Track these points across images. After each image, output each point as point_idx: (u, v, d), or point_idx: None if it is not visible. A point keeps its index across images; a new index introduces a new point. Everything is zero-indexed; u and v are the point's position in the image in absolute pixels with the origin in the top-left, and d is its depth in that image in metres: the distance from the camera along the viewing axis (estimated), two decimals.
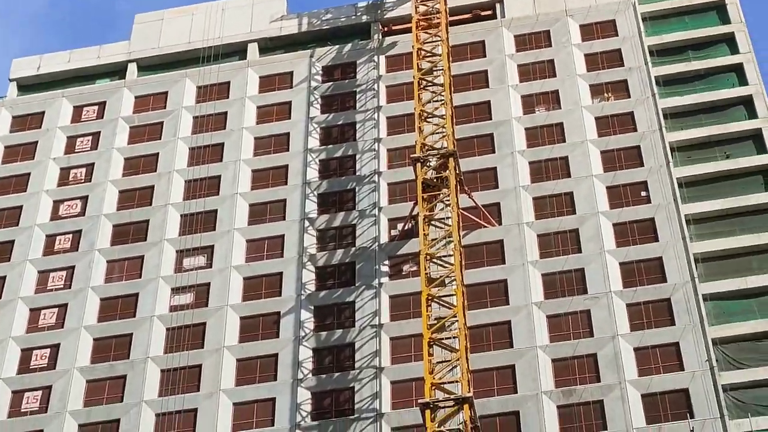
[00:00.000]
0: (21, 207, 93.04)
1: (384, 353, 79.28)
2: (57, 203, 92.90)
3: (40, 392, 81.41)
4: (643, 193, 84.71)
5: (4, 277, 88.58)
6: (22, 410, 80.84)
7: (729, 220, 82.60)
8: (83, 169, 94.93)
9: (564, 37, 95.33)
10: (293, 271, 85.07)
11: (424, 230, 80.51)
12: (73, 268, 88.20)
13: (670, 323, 77.33)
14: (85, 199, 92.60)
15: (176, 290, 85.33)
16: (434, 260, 79.45)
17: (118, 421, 78.95)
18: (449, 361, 74.06)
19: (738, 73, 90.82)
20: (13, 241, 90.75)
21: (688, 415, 71.97)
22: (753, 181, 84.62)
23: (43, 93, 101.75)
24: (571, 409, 74.26)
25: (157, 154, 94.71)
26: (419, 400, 72.26)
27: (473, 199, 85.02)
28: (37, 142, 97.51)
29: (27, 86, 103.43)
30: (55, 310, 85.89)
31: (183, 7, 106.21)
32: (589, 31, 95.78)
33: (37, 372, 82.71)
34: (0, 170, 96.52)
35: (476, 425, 71.67)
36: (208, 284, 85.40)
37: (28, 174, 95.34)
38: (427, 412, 71.13)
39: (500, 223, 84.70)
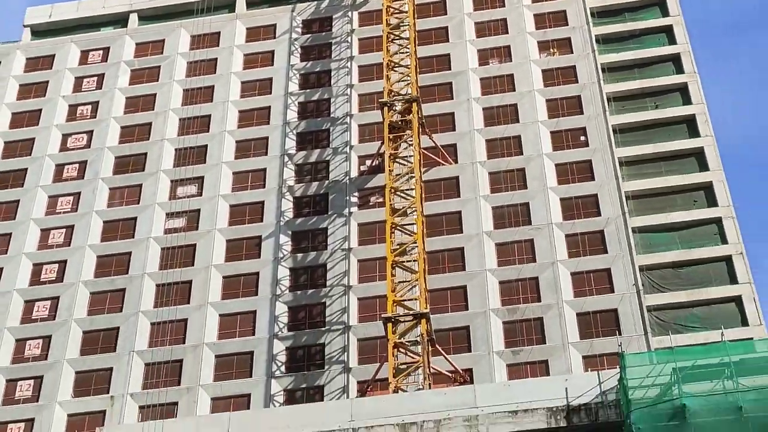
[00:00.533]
0: (33, 139, 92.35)
1: (352, 273, 79.60)
2: (65, 136, 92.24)
3: (49, 302, 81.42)
4: (582, 138, 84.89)
5: (18, 201, 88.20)
6: (33, 317, 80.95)
7: (657, 163, 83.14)
8: (89, 107, 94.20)
9: None
10: (273, 200, 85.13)
11: (389, 166, 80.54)
12: (79, 194, 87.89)
13: (602, 252, 78.03)
14: (90, 134, 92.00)
15: (170, 215, 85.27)
16: (398, 193, 79.48)
17: (117, 328, 79.08)
18: (409, 281, 74.44)
19: (668, 33, 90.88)
20: (26, 170, 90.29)
21: (616, 332, 72.05)
22: (679, 129, 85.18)
23: (53, 38, 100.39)
24: (515, 325, 75.02)
25: (155, 94, 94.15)
26: (382, 315, 72.72)
27: (433, 140, 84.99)
28: (48, 82, 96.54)
29: (39, 32, 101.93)
30: (63, 230, 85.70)
31: None
32: None
33: (46, 284, 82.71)
34: (15, 106, 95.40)
35: (432, 338, 72.22)
36: (199, 210, 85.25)
37: (40, 110, 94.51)
38: (389, 325, 71.59)
39: (456, 162, 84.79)
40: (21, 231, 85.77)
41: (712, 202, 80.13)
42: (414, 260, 75.33)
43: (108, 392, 75.54)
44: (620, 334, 71.65)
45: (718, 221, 78.90)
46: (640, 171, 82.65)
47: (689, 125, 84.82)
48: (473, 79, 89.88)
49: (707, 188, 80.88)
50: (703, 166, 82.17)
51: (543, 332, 74.42)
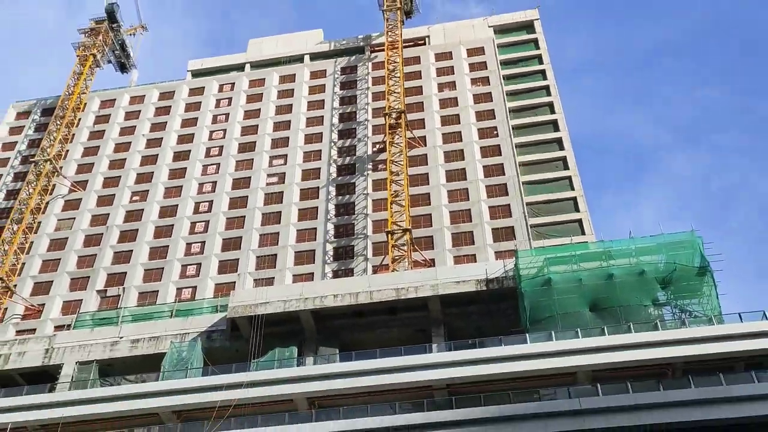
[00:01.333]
0: (193, 134, 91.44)
1: (369, 207, 79.29)
2: (210, 132, 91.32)
3: (203, 223, 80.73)
4: (495, 132, 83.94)
5: (185, 168, 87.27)
6: (195, 231, 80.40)
7: (536, 146, 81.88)
8: (223, 116, 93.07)
9: (459, 54, 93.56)
10: (326, 167, 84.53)
11: (389, 148, 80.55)
12: (219, 164, 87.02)
13: (506, 195, 77.37)
14: (224, 131, 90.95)
15: (269, 175, 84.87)
16: (394, 163, 79.47)
17: (241, 237, 78.72)
18: (400, 211, 74.77)
19: (542, 74, 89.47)
20: (189, 151, 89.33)
21: (513, 238, 72.72)
22: (548, 126, 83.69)
23: (204, 77, 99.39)
24: (459, 235, 74.88)
25: (260, 109, 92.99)
26: (385, 229, 73.38)
27: (413, 134, 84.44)
28: (201, 102, 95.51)
29: (196, 74, 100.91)
30: (211, 184, 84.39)
31: (273, 36, 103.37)
32: (471, 52, 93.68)
33: (202, 213, 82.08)
34: (183, 116, 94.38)
35: (412, 242, 72.77)
36: (284, 173, 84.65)
37: (196, 118, 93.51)
38: (389, 235, 72.37)
39: (425, 145, 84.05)
40: (187, 185, 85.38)
41: (566, 167, 79.17)
42: (403, 200, 75.67)
43: (236, 272, 75.62)
44: (515, 239, 72.31)
45: (569, 178, 78.10)
46: (527, 150, 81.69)
47: (554, 124, 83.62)
48: (435, 100, 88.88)
49: (563, 160, 79.86)
50: (561, 148, 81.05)
51: (473, 239, 74.16)
